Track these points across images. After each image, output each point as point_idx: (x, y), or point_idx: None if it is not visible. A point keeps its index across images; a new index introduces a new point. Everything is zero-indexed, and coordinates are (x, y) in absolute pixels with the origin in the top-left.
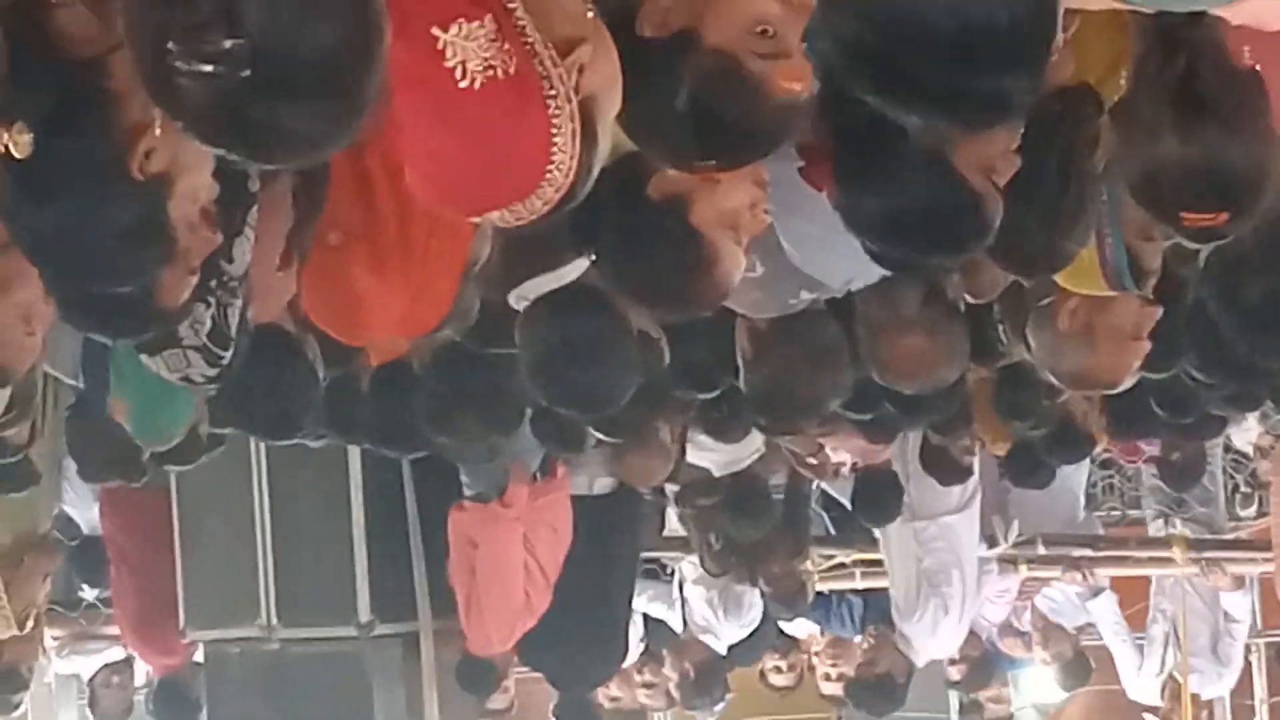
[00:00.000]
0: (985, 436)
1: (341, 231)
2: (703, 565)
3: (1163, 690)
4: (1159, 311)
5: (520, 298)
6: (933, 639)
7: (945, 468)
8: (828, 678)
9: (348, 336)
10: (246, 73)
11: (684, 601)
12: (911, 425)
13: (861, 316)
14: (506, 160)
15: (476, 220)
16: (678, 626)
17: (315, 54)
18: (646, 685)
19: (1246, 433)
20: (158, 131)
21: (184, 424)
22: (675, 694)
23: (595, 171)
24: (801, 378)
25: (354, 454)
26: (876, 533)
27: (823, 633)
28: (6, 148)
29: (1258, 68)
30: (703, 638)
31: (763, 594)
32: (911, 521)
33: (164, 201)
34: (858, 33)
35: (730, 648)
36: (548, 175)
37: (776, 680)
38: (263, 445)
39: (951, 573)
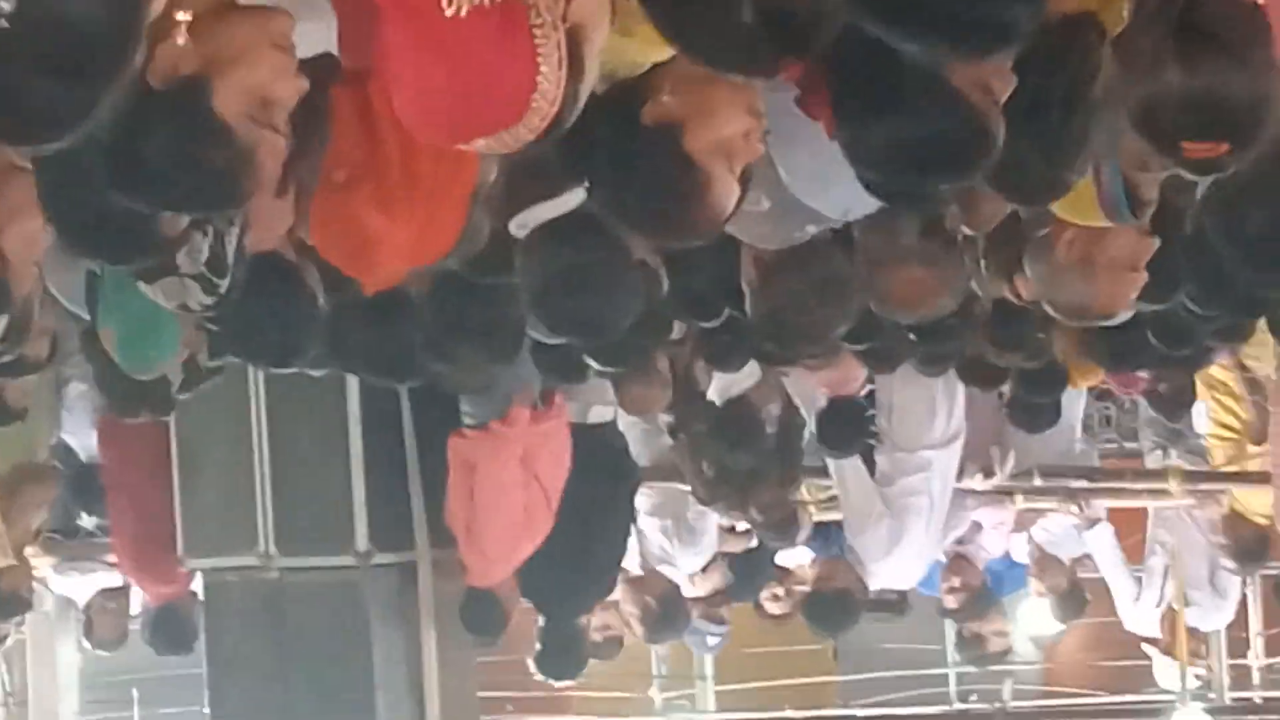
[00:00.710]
0: None
1: (346, 169)
2: (694, 494)
3: (1161, 622)
4: (1156, 243)
5: (520, 226)
6: (885, 561)
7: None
8: (774, 598)
9: (360, 273)
10: None
11: (639, 534)
12: (913, 355)
13: (860, 247)
14: (492, 88)
15: (464, 148)
16: (634, 561)
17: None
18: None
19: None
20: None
21: (171, 354)
22: (638, 628)
23: (582, 100)
24: (806, 307)
25: (352, 383)
26: (832, 470)
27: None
28: None
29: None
30: (660, 568)
31: (754, 524)
32: (892, 452)
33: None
34: None
35: (730, 584)
36: (533, 104)
37: (772, 609)
38: (261, 374)
39: (911, 501)
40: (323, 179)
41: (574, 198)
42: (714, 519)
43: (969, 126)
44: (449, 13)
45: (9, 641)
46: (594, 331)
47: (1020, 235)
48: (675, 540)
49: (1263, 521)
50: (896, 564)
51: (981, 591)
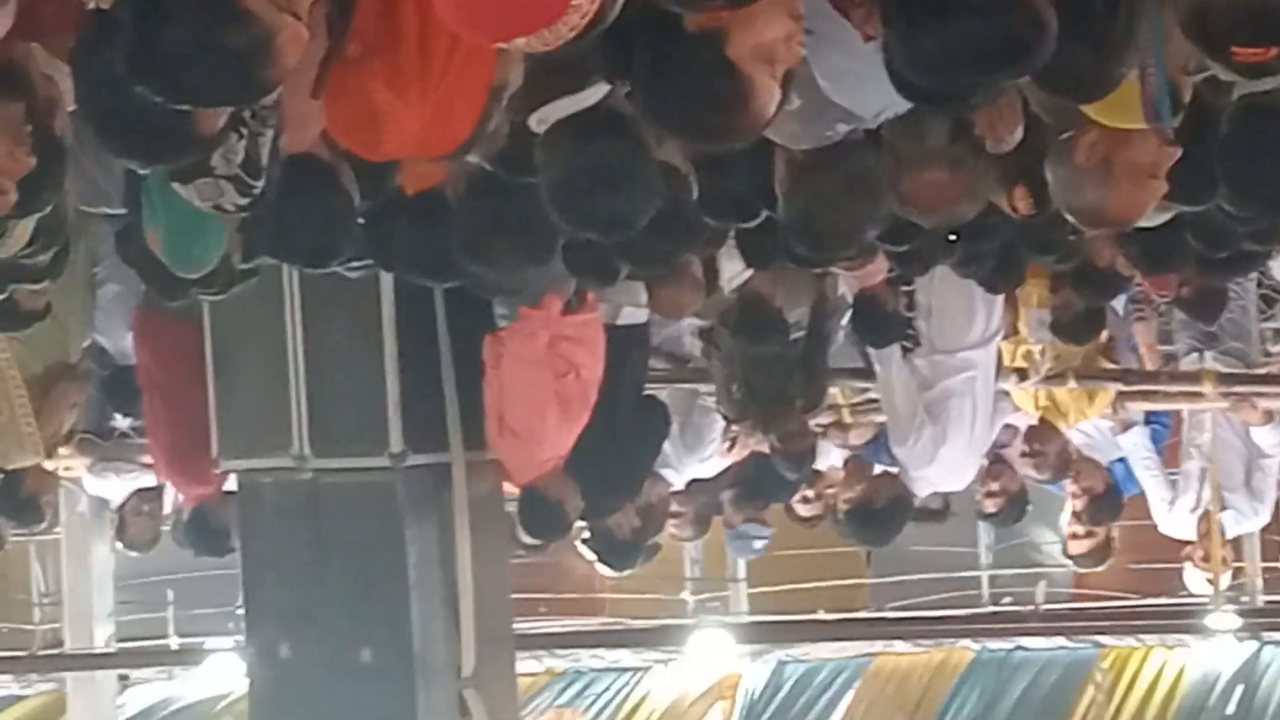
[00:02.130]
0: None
1: (361, 44)
2: (719, 409)
3: (1197, 526)
4: (1178, 152)
5: (540, 121)
6: (929, 469)
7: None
8: (805, 500)
9: (365, 151)
10: None
11: None
12: (947, 258)
13: (888, 147)
14: None
15: (504, 46)
16: None
17: None
18: (674, 515)
19: None
20: None
21: (216, 253)
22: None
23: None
24: (839, 207)
25: (386, 284)
26: (876, 364)
27: (847, 464)
28: None
29: None
30: (662, 471)
31: (772, 449)
32: (930, 354)
33: None
34: None
35: (764, 485)
36: (574, 1)
37: (803, 511)
38: (296, 275)
39: (952, 403)
40: (340, 53)
41: (595, 93)
42: (719, 424)
43: (1024, 20)
44: None
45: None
46: (612, 227)
47: (1026, 147)
48: (680, 444)
49: None
50: (942, 470)
51: (1019, 496)
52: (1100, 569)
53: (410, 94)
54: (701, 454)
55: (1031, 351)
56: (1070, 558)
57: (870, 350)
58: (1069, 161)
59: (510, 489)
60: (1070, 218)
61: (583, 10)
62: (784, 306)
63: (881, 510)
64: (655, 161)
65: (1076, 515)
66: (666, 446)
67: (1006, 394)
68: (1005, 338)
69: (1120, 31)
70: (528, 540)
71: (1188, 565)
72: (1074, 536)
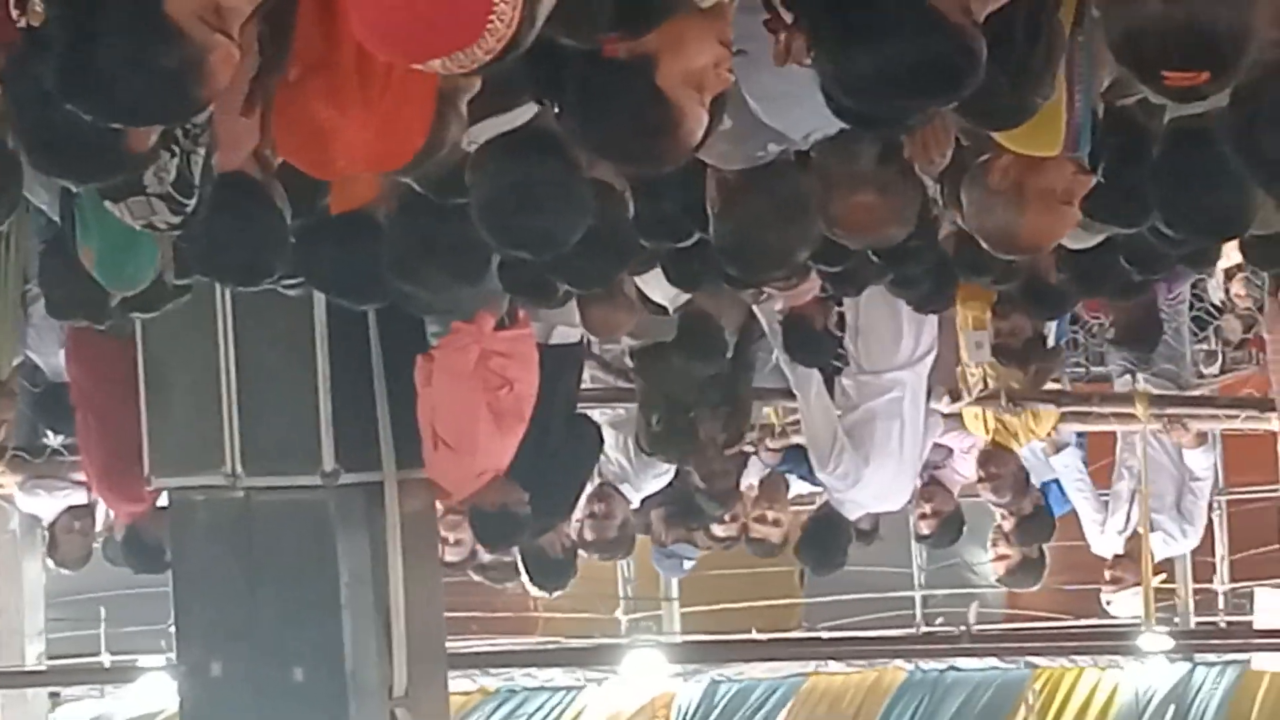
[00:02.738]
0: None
1: (301, 64)
2: (638, 443)
3: (1125, 547)
4: (1092, 180)
5: (470, 140)
6: (855, 490)
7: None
8: (760, 520)
9: (318, 171)
10: None
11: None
12: (880, 279)
13: (818, 169)
14: (447, 7)
15: (420, 68)
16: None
17: None
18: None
19: (1216, 290)
20: None
21: (149, 271)
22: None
23: (539, 22)
24: (769, 228)
25: (320, 302)
26: (795, 388)
27: (761, 484)
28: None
29: None
30: (621, 488)
31: (695, 488)
32: (857, 375)
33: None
34: None
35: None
36: (489, 25)
37: (718, 532)
38: (229, 293)
39: (878, 425)
40: (275, 73)
41: (524, 113)
42: None
43: (953, 47)
44: None
45: None
46: (542, 246)
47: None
48: (638, 461)
49: None
50: (870, 493)
51: (953, 517)
52: (1034, 589)
53: (353, 110)
54: (657, 470)
55: (965, 373)
56: (998, 579)
57: (788, 374)
58: (982, 185)
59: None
60: (982, 242)
61: (499, 34)
62: (714, 314)
63: (822, 536)
64: (586, 181)
65: (1005, 536)
66: (624, 463)
67: (939, 414)
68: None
69: (1039, 61)
70: (484, 562)
71: (1104, 588)
72: (1000, 558)
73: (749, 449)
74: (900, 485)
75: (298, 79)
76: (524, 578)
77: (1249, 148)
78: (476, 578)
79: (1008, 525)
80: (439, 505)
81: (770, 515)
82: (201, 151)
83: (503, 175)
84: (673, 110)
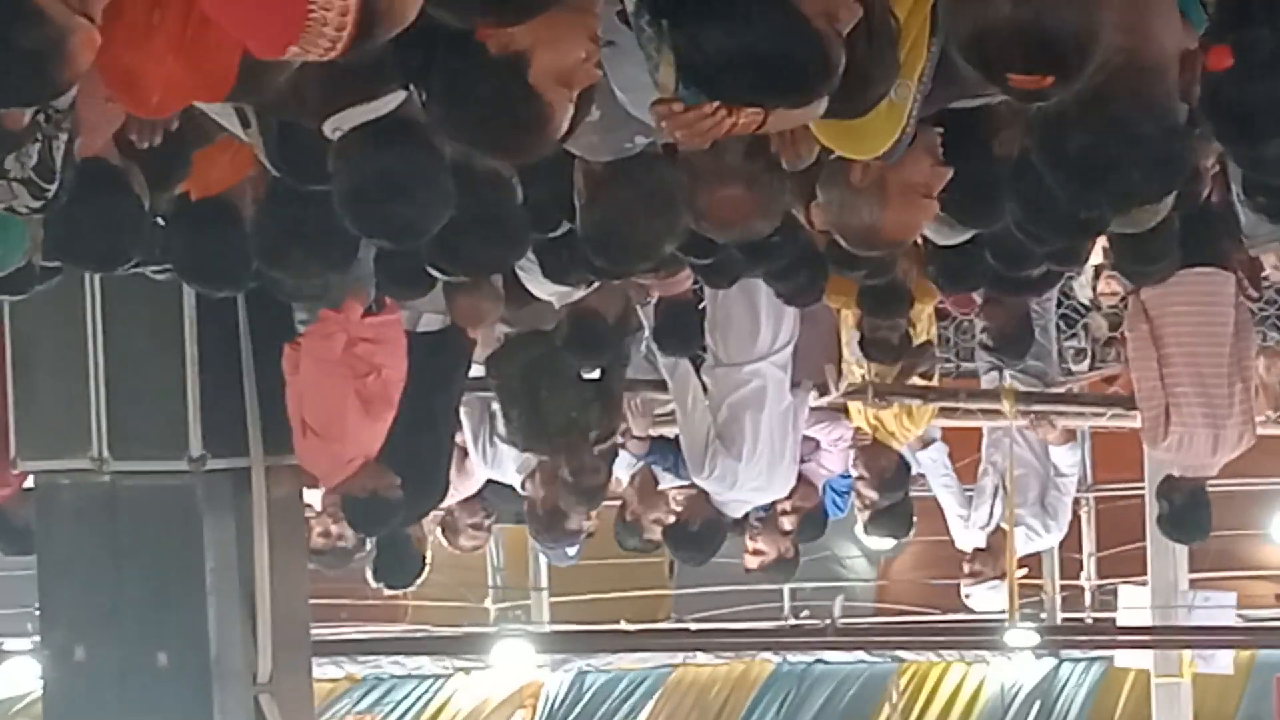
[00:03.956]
0: (836, 297)
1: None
2: (507, 439)
3: (987, 541)
4: (950, 172)
5: (335, 128)
6: (734, 490)
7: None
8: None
9: (142, 110)
10: None
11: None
12: (751, 271)
13: (684, 162)
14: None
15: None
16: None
17: None
18: (474, 527)
19: (1083, 288)
20: None
21: (19, 253)
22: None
23: (395, 13)
24: (636, 220)
25: (188, 287)
26: (671, 389)
27: (633, 479)
28: None
29: None
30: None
31: (563, 482)
32: (716, 368)
33: None
34: None
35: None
36: (311, 14)
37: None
38: (98, 277)
39: (747, 420)
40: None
41: (391, 101)
42: None
43: (809, 49)
44: None
45: None
46: (403, 234)
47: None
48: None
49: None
50: (747, 489)
51: (815, 512)
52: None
53: (154, 47)
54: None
55: (830, 368)
56: (748, 571)
57: (665, 374)
58: (843, 181)
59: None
60: (840, 238)
61: (333, 23)
62: (601, 309)
63: (697, 532)
64: (448, 170)
65: (759, 532)
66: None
67: (806, 405)
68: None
69: (875, 57)
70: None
71: (963, 581)
72: (755, 553)
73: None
74: (779, 474)
75: (104, 24)
76: (369, 572)
77: (1088, 151)
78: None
79: (788, 522)
80: (323, 499)
81: (651, 516)
82: (64, 137)
83: (366, 163)
84: (544, 107)
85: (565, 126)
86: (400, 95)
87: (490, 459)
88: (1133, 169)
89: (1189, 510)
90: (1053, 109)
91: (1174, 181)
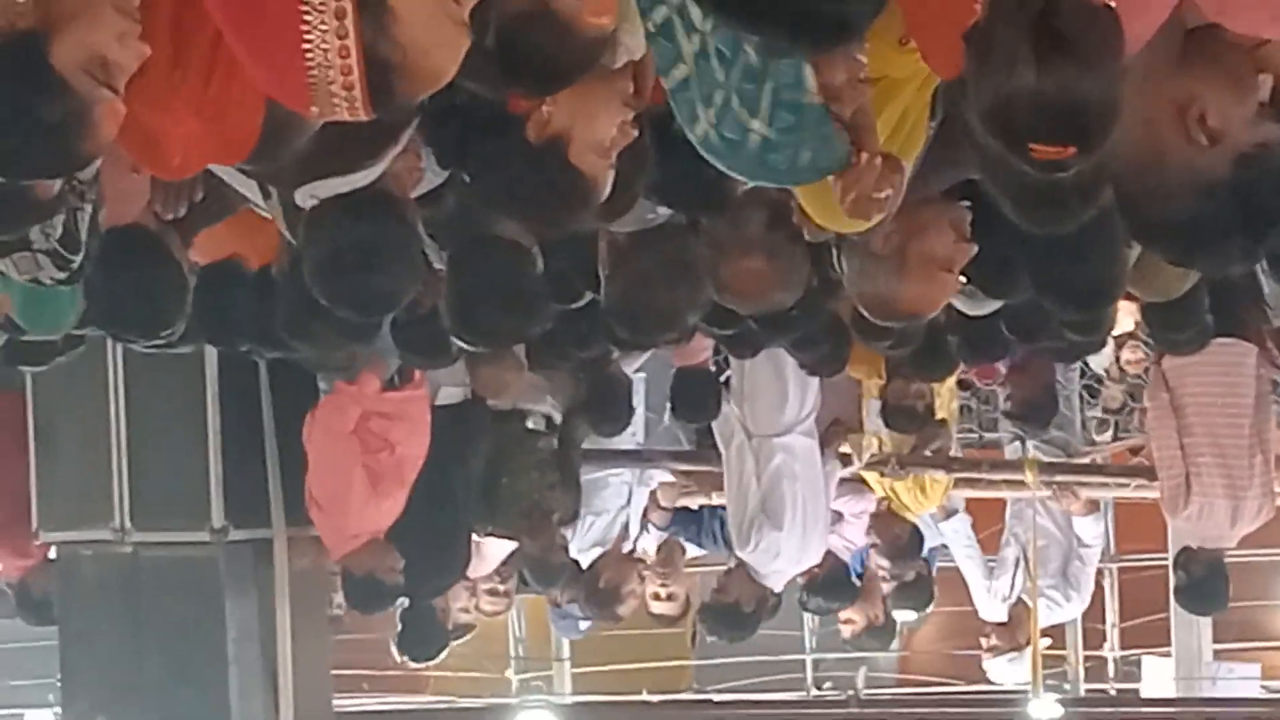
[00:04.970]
0: (859, 367)
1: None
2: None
3: (1009, 613)
4: (973, 248)
5: (309, 196)
6: (776, 562)
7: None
8: (657, 597)
9: (161, 171)
10: None
11: None
12: (774, 341)
13: (706, 234)
14: (260, 60)
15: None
16: None
17: None
18: (492, 593)
19: (1103, 358)
20: None
21: (70, 316)
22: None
23: (411, 67)
24: (659, 290)
25: (211, 358)
26: (724, 460)
27: (658, 552)
28: None
29: (1113, 4)
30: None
31: (528, 556)
32: (747, 440)
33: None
34: None
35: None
36: (311, 77)
37: (620, 610)
38: (120, 347)
39: (785, 491)
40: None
41: (368, 175)
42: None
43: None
44: None
45: None
46: (372, 307)
47: None
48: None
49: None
50: (785, 559)
51: (835, 580)
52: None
53: (177, 108)
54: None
55: (857, 439)
56: (845, 641)
57: (720, 444)
58: (864, 250)
59: None
60: (861, 308)
61: (336, 83)
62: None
63: (751, 612)
64: (420, 242)
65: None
66: None
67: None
68: (852, 431)
69: None
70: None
71: (983, 655)
72: (847, 621)
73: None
74: (811, 544)
75: (125, 86)
76: (393, 645)
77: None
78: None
79: (887, 588)
80: None
81: (665, 591)
82: (89, 208)
83: (338, 234)
84: (585, 182)
85: (607, 188)
86: (377, 170)
87: None
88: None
89: (1207, 582)
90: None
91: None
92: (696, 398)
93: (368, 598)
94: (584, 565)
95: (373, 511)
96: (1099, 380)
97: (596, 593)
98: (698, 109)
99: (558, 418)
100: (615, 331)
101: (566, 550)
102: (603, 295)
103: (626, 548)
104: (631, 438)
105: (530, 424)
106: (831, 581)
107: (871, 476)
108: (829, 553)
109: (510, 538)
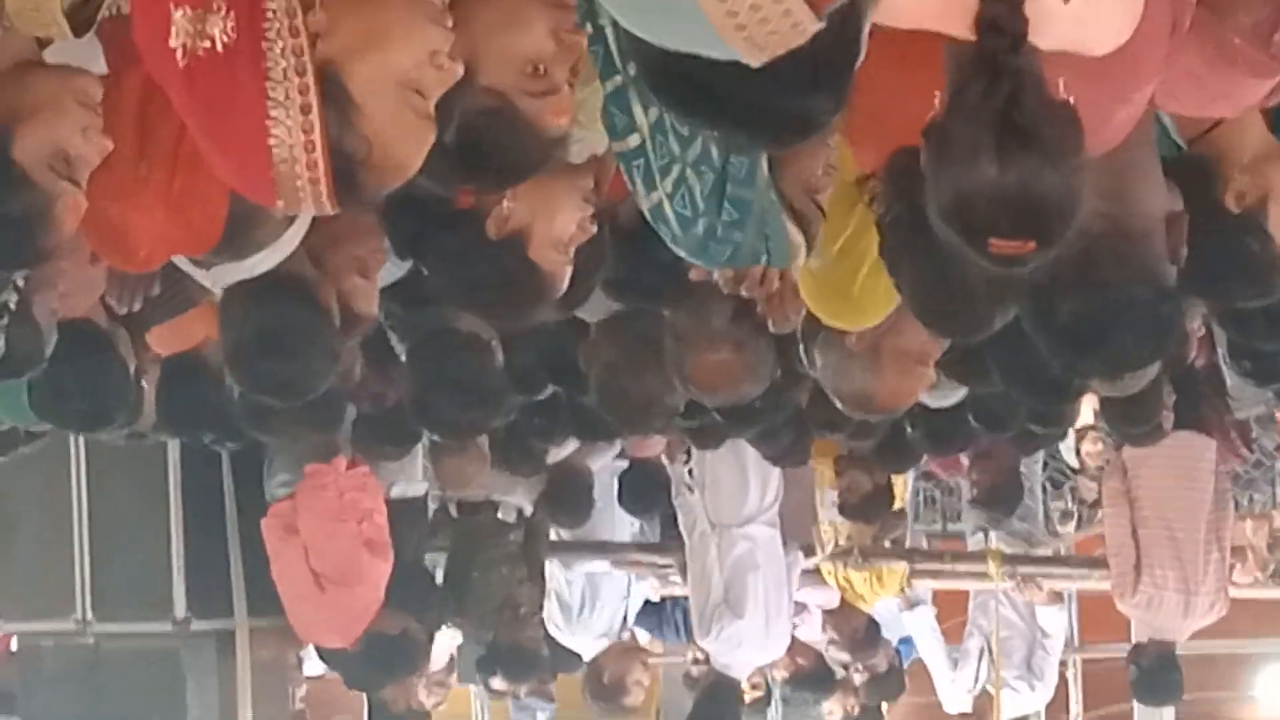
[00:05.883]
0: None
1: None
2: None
3: (973, 705)
4: (945, 343)
5: (213, 282)
6: (738, 651)
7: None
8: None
9: (127, 264)
10: None
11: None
12: (738, 433)
13: (670, 327)
14: (224, 151)
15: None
16: None
17: None
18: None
19: (1069, 450)
20: None
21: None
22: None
23: (377, 161)
24: (630, 376)
25: (173, 449)
26: (689, 547)
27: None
28: None
29: (1072, 100)
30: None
31: (499, 651)
32: (710, 529)
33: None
34: (660, 58)
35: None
36: (277, 169)
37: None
38: (82, 438)
39: (749, 581)
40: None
41: (266, 262)
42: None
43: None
44: (180, 64)
45: None
46: (286, 392)
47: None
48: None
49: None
50: (749, 648)
51: (811, 672)
52: None
53: (141, 201)
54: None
55: (820, 530)
56: None
57: (684, 533)
58: (839, 346)
59: None
60: (837, 402)
61: (299, 177)
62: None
63: (713, 705)
64: (333, 328)
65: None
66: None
67: (798, 566)
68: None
69: None
70: None
71: None
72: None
73: None
74: (775, 634)
75: (90, 178)
76: None
77: (1080, 318)
78: None
79: (858, 679)
80: None
81: (630, 680)
82: (14, 297)
83: (244, 320)
84: (544, 277)
85: (564, 286)
86: (275, 258)
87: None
88: (1125, 335)
89: (1159, 673)
90: (1044, 277)
91: (1166, 346)
92: (641, 489)
93: (400, 662)
94: (587, 656)
95: (378, 575)
96: (1063, 471)
97: (602, 687)
98: (655, 177)
99: (529, 509)
100: (604, 418)
101: (541, 642)
102: (591, 386)
103: (625, 637)
104: (630, 527)
105: (501, 514)
106: (813, 675)
107: (825, 568)
108: (809, 646)
109: (481, 632)
